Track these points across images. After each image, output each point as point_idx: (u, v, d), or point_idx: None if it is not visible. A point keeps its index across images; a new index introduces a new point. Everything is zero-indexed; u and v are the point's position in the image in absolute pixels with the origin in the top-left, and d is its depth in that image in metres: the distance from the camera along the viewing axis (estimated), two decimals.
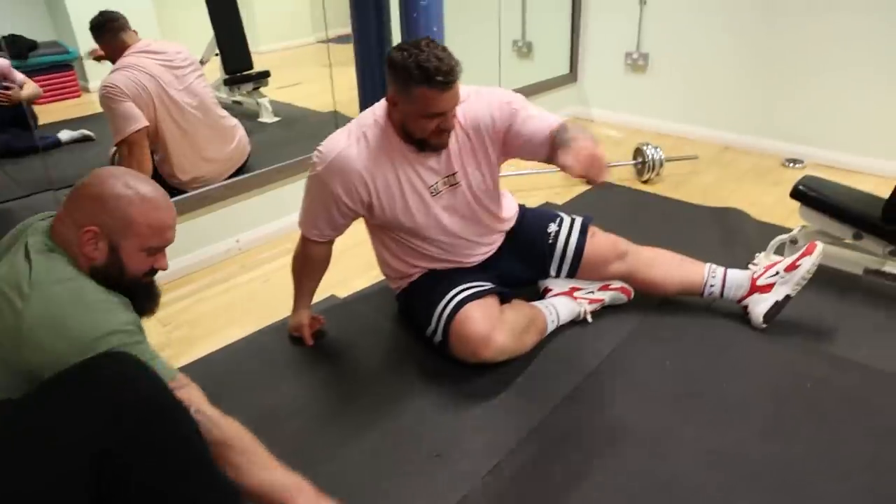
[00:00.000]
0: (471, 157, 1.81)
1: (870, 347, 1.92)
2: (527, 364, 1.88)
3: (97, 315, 1.16)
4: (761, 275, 1.99)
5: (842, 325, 2.03)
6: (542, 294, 2.10)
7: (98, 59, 2.64)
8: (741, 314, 2.05)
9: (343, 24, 3.17)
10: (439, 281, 1.89)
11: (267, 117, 3.76)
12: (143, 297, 1.31)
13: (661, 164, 3.19)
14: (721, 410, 1.71)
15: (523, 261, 2.05)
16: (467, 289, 1.84)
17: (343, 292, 2.31)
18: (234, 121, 2.89)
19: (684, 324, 2.06)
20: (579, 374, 1.85)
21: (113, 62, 2.52)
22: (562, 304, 2.02)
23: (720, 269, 2.05)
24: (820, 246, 1.94)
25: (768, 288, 1.97)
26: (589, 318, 2.06)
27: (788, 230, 2.37)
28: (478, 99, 1.77)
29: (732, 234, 2.63)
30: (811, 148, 3.43)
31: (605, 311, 2.10)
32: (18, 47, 2.93)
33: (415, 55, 1.55)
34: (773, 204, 2.93)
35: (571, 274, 2.06)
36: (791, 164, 3.41)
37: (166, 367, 1.24)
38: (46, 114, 3.37)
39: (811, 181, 2.25)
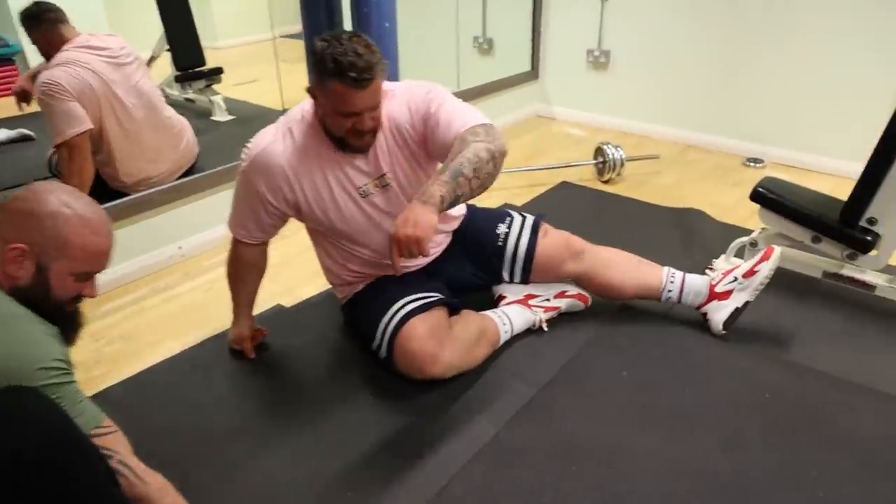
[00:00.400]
0: (399, 157, 1.71)
1: (828, 352, 1.90)
2: (478, 377, 1.81)
3: (25, 346, 1.08)
4: (720, 281, 1.95)
5: (800, 331, 2.00)
6: (496, 302, 2.02)
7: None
8: (699, 320, 2.00)
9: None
10: (383, 291, 1.80)
11: (220, 115, 3.64)
12: (64, 325, 1.21)
13: (622, 164, 3.14)
14: (679, 420, 1.66)
15: (473, 263, 1.97)
16: (412, 301, 1.75)
17: (289, 301, 2.21)
18: (182, 120, 2.76)
19: (642, 332, 2.00)
20: (534, 385, 1.78)
21: (48, 58, 2.37)
22: (516, 312, 1.95)
23: (679, 274, 2.01)
24: (777, 250, 1.90)
25: (727, 295, 1.93)
26: (544, 327, 1.99)
27: (749, 231, 2.34)
28: (400, 95, 1.67)
29: (692, 236, 2.60)
30: (771, 147, 3.42)
31: (561, 320, 2.04)
32: None
33: (333, 47, 1.46)
34: (733, 204, 2.90)
35: (525, 275, 1.98)
36: (752, 164, 3.39)
37: (92, 412, 1.15)
38: None
39: (771, 183, 2.21)
